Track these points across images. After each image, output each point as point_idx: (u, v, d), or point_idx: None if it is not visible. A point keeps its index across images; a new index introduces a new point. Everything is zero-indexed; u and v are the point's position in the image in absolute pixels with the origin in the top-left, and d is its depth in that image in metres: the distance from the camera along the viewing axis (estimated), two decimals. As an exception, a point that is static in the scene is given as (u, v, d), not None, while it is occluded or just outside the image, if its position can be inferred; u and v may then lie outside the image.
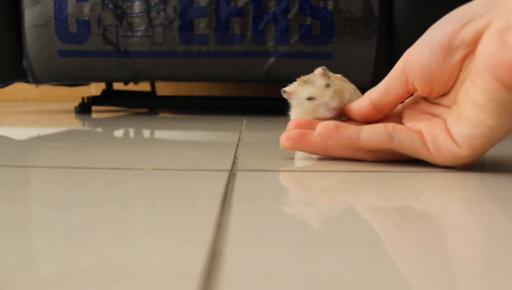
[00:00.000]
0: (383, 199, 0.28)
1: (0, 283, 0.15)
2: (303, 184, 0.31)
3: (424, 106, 0.37)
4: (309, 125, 0.38)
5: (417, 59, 0.34)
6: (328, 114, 0.38)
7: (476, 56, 0.31)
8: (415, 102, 0.38)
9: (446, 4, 0.81)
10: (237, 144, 0.47)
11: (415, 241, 0.20)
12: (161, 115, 1.02)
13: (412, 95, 0.38)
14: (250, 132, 0.62)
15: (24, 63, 0.91)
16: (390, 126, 0.34)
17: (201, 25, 0.86)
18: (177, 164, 0.36)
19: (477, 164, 0.36)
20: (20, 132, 0.66)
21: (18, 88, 1.59)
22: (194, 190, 0.29)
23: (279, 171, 0.35)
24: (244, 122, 0.76)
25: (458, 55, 0.32)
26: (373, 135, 0.34)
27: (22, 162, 0.38)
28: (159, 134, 0.65)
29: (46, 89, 1.60)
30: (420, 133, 0.34)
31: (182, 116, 0.97)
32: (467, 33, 0.31)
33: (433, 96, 0.35)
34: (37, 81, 0.92)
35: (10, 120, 0.84)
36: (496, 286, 0.15)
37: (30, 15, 0.87)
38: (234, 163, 0.36)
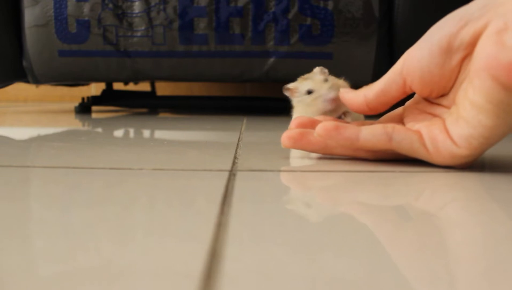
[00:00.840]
0: (383, 199, 0.28)
1: (0, 283, 0.15)
2: (303, 184, 0.31)
3: (424, 106, 0.37)
4: (310, 125, 0.38)
5: (416, 61, 0.34)
6: (327, 106, 0.39)
7: (474, 57, 0.31)
8: (416, 102, 0.38)
9: (446, 4, 0.81)
10: (237, 144, 0.47)
11: (415, 240, 0.20)
12: (161, 115, 1.02)
13: (408, 96, 0.38)
14: (250, 132, 0.62)
15: (24, 63, 0.91)
16: (389, 126, 0.35)
17: (201, 25, 0.86)
18: (177, 164, 0.36)
19: (476, 164, 0.36)
20: (20, 132, 0.66)
21: (18, 88, 1.59)
22: (194, 190, 0.29)
23: (279, 171, 0.35)
24: (244, 122, 0.76)
25: (457, 57, 0.32)
26: (372, 135, 0.34)
27: (22, 162, 0.38)
28: (159, 134, 0.65)
29: (46, 89, 1.60)
30: (419, 133, 0.34)
31: (182, 116, 0.97)
32: (465, 35, 0.31)
33: (432, 97, 0.36)
34: (37, 81, 0.92)
35: (10, 120, 0.84)
36: (496, 286, 0.15)
37: (30, 15, 0.87)
38: (234, 163, 0.36)
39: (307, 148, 0.37)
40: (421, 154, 0.34)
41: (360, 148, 0.35)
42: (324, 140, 0.36)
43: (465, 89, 0.32)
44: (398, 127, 0.35)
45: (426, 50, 0.33)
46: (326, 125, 0.35)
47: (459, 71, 0.33)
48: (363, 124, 0.37)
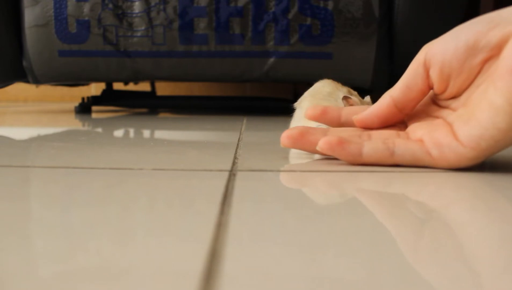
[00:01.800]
0: (383, 198, 0.28)
1: (0, 283, 0.15)
2: (303, 184, 0.31)
3: (432, 110, 0.37)
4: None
5: (439, 53, 0.34)
6: None
7: (500, 60, 0.31)
8: (424, 104, 0.38)
9: (446, 4, 0.81)
10: (237, 144, 0.47)
11: (416, 240, 0.20)
12: (161, 115, 1.02)
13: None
14: (250, 132, 0.62)
15: (24, 63, 0.91)
16: (390, 141, 0.35)
17: (201, 25, 0.86)
18: (177, 164, 0.36)
19: (478, 164, 0.36)
20: (20, 132, 0.66)
21: (18, 88, 1.59)
22: (194, 190, 0.29)
23: (279, 171, 0.35)
24: (244, 122, 0.76)
25: (481, 57, 0.32)
26: (374, 151, 0.34)
27: (22, 162, 0.38)
28: (159, 134, 0.65)
29: (46, 89, 1.60)
30: (420, 142, 0.34)
31: (182, 116, 0.97)
32: (493, 37, 0.31)
33: (445, 96, 0.36)
34: (37, 81, 0.92)
35: (10, 120, 0.84)
36: (497, 285, 0.15)
37: (30, 15, 0.87)
38: (234, 163, 0.36)
39: (307, 148, 0.36)
40: (425, 162, 0.34)
41: (363, 163, 0.35)
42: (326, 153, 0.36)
43: (483, 91, 0.32)
44: (398, 140, 0.35)
45: (452, 43, 0.33)
46: (329, 139, 0.35)
47: (478, 72, 0.33)
48: (365, 124, 0.37)
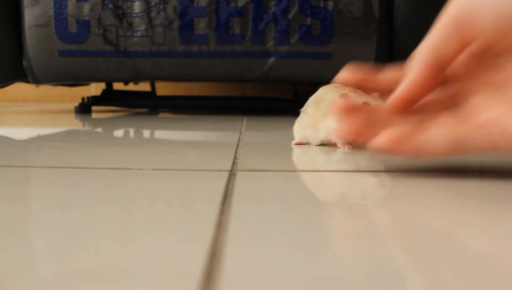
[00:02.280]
0: (383, 199, 0.28)
1: (0, 283, 0.15)
2: (303, 184, 0.31)
3: (488, 73, 0.31)
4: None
5: (487, 23, 0.28)
6: None
7: None
8: (474, 70, 0.31)
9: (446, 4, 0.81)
10: (237, 144, 0.47)
11: (417, 240, 0.20)
12: (161, 115, 1.02)
13: None
14: (250, 132, 0.62)
15: (24, 63, 0.91)
16: (456, 133, 0.30)
17: (201, 25, 0.86)
18: (177, 164, 0.36)
19: (476, 167, 0.36)
20: (20, 132, 0.66)
21: (18, 88, 1.59)
22: (194, 190, 0.29)
23: (279, 171, 0.35)
24: (244, 122, 0.76)
25: None
26: (438, 150, 0.30)
27: (22, 162, 0.38)
28: (159, 134, 0.65)
29: (46, 89, 1.60)
30: (496, 129, 0.29)
31: (182, 116, 0.97)
32: None
33: (507, 44, 0.29)
34: (37, 81, 0.91)
35: (10, 120, 0.84)
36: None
37: (30, 15, 0.87)
38: (234, 163, 0.36)
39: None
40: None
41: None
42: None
43: None
44: (471, 133, 0.29)
45: (504, 10, 0.27)
46: (381, 142, 0.30)
47: None
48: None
